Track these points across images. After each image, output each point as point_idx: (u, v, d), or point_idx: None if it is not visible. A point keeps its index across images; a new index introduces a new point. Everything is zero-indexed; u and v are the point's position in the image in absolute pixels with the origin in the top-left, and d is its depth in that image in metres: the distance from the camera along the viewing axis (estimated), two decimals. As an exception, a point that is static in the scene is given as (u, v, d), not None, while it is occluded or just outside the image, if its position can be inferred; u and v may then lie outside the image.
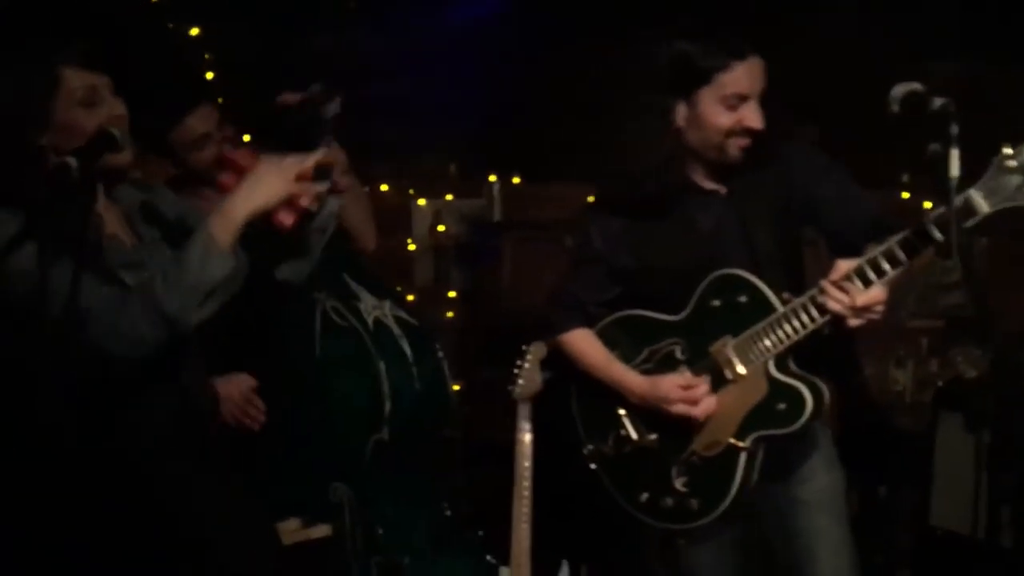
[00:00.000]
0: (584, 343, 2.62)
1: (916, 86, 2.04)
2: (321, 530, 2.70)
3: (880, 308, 2.26)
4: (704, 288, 2.45)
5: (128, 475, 2.07)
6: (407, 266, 4.61)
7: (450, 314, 4.58)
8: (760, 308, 2.38)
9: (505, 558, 3.41)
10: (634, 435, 2.55)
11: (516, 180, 4.62)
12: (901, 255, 2.21)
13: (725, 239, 2.47)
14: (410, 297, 4.57)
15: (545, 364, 3.48)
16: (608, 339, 2.59)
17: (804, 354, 2.41)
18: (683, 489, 2.47)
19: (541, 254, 4.19)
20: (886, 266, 2.23)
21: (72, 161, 1.88)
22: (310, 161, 2.02)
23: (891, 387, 4.33)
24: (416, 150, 4.53)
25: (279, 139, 2.31)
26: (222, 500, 2.15)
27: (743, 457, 2.42)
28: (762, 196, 2.47)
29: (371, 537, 2.64)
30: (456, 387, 4.54)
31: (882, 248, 2.23)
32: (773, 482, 2.49)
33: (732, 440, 2.43)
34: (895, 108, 2.04)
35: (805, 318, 2.34)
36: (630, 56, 2.55)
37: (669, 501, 2.50)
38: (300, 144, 2.10)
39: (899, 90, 2.05)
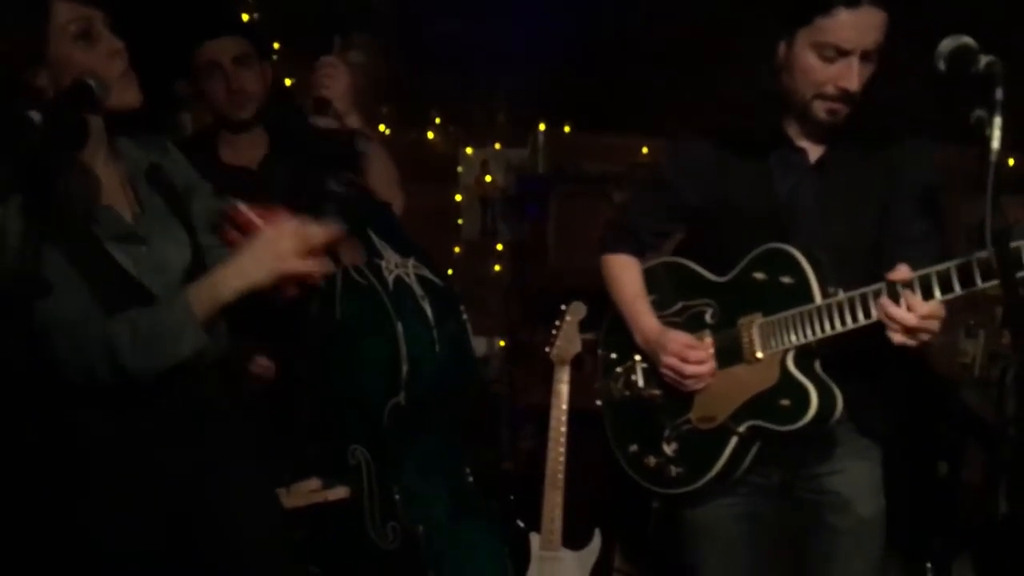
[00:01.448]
0: (623, 270, 2.50)
1: (966, 40, 1.80)
2: (339, 492, 2.61)
3: (934, 328, 2.02)
4: (753, 257, 2.29)
5: (121, 441, 1.96)
6: (453, 217, 4.50)
7: (497, 268, 4.48)
8: (799, 295, 2.20)
9: (536, 524, 3.34)
10: (641, 383, 2.46)
11: (567, 129, 4.45)
12: (978, 278, 1.94)
13: (799, 208, 2.28)
14: (456, 249, 4.50)
15: (584, 325, 3.38)
16: (650, 281, 2.49)
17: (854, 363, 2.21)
18: (670, 454, 2.39)
19: (587, 210, 4.04)
20: (957, 285, 1.98)
21: (35, 116, 1.70)
22: (319, 237, 1.88)
23: (959, 359, 4.10)
24: (466, 97, 4.39)
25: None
26: (224, 466, 2.06)
27: (734, 441, 2.29)
28: (856, 180, 2.26)
29: (388, 502, 2.55)
30: (501, 343, 4.50)
31: (958, 262, 1.97)
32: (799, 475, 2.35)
33: (727, 420, 2.30)
34: (941, 65, 1.82)
35: (842, 319, 2.14)
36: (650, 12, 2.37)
37: (652, 460, 2.42)
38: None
39: (947, 44, 1.82)
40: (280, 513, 2.23)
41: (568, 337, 3.24)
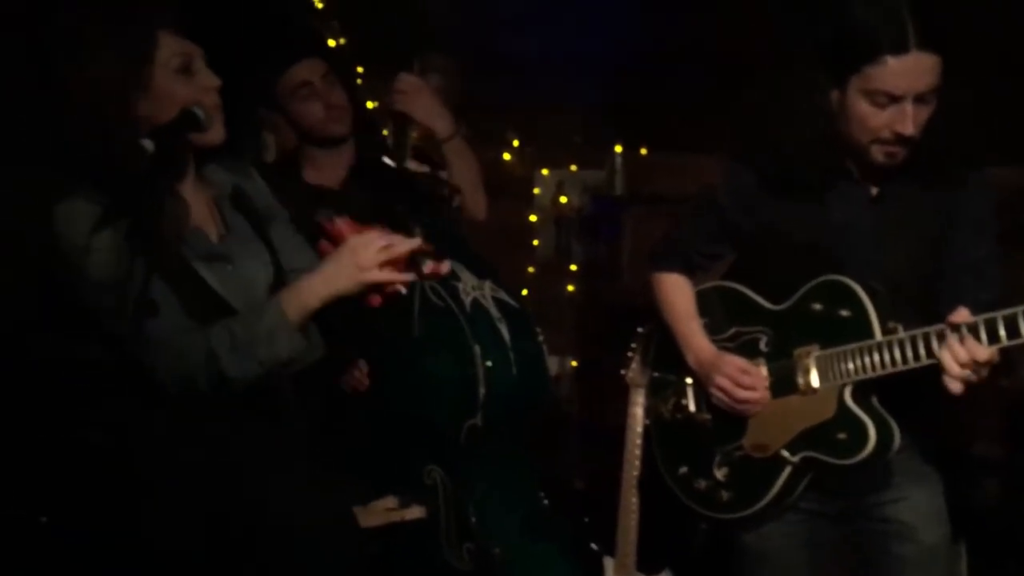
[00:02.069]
0: (674, 289, 2.51)
1: None
2: (415, 512, 2.64)
3: (984, 375, 2.02)
4: (811, 287, 2.28)
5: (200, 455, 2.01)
6: (528, 237, 4.52)
7: (571, 288, 4.48)
8: (859, 328, 2.19)
9: (611, 547, 3.32)
10: (692, 406, 2.47)
11: (643, 151, 4.44)
12: None
13: (855, 241, 2.26)
14: (530, 269, 4.51)
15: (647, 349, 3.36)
16: (703, 304, 2.49)
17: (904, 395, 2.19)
18: (721, 479, 2.39)
19: (663, 231, 4.02)
20: None
21: (148, 144, 1.80)
22: (403, 248, 1.93)
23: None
24: (542, 118, 4.40)
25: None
26: (298, 481, 2.09)
27: (788, 470, 2.29)
28: (914, 212, 2.24)
29: (463, 523, 2.57)
30: (573, 364, 4.49)
31: None
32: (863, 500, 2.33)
33: (782, 450, 2.29)
34: None
35: (902, 355, 2.12)
36: (787, 24, 2.36)
37: (703, 484, 2.42)
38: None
39: None
40: (350, 530, 2.26)
41: (645, 360, 3.23)
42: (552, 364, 4.54)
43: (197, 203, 2.08)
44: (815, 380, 2.25)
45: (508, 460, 2.63)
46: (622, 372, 3.31)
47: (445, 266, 1.99)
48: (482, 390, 2.49)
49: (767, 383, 2.33)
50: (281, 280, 2.11)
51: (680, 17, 3.99)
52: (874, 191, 2.26)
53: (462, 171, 2.78)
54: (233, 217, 2.12)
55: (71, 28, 1.95)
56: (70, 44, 1.94)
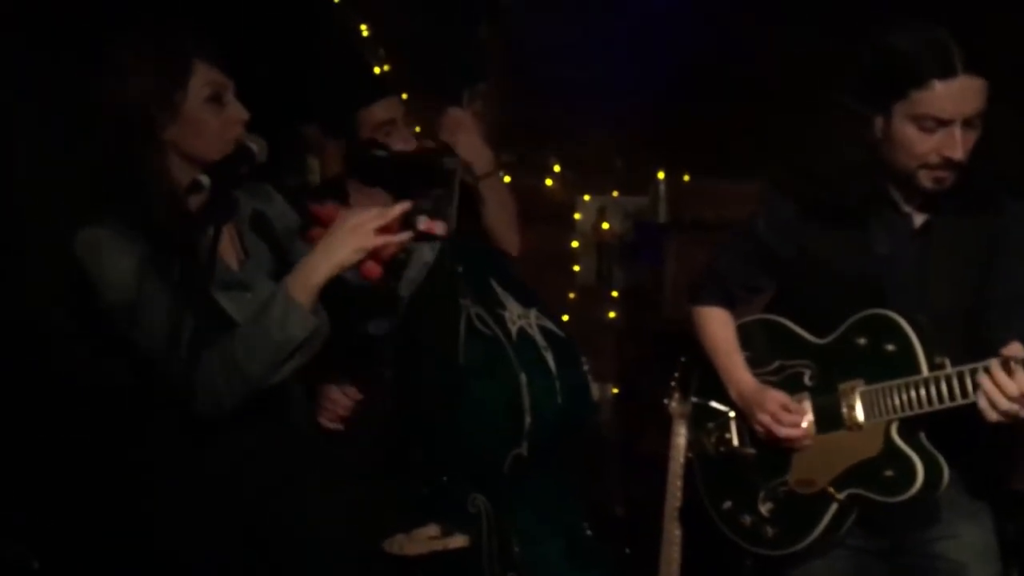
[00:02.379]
0: (715, 323, 2.50)
1: None
2: (458, 540, 2.63)
3: None
4: (855, 321, 2.26)
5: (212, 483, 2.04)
6: (569, 263, 4.51)
7: (612, 314, 4.47)
8: (905, 364, 2.16)
9: (653, 577, 3.30)
10: (736, 441, 2.45)
11: (686, 178, 4.42)
12: None
13: (900, 273, 2.24)
14: (571, 295, 4.51)
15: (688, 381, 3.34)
16: (745, 337, 2.47)
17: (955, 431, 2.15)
18: (766, 514, 2.37)
19: (705, 258, 4.00)
20: None
21: (204, 180, 1.83)
22: (392, 213, 1.94)
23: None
24: (584, 144, 4.41)
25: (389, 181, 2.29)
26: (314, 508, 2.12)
27: (834, 507, 2.26)
28: (960, 243, 2.22)
29: (507, 552, 2.56)
30: (614, 390, 4.47)
31: None
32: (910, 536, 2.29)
33: (828, 486, 2.27)
34: None
35: (950, 391, 2.09)
36: (829, 52, 2.35)
37: (748, 519, 2.40)
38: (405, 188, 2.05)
39: None
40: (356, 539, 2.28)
41: (686, 390, 3.20)
42: (593, 390, 4.54)
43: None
44: (861, 416, 2.22)
45: (552, 489, 2.62)
46: (664, 402, 3.30)
47: (439, 225, 1.96)
48: (528, 419, 2.48)
49: (811, 419, 2.30)
50: None
51: (723, 44, 3.98)
52: (918, 221, 2.24)
53: (496, 209, 2.78)
54: (252, 242, 2.15)
55: (113, 45, 1.99)
56: (111, 60, 1.98)
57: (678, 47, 4.01)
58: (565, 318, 4.39)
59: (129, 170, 1.97)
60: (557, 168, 4.43)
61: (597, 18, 4.15)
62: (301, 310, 1.93)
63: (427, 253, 2.07)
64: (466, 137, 2.65)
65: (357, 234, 1.93)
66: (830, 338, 2.30)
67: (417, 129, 3.74)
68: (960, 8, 2.26)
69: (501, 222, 2.80)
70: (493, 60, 2.85)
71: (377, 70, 3.79)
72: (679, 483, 3.19)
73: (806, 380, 2.34)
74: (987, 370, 2.02)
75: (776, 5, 3.92)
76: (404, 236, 1.95)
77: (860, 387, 2.23)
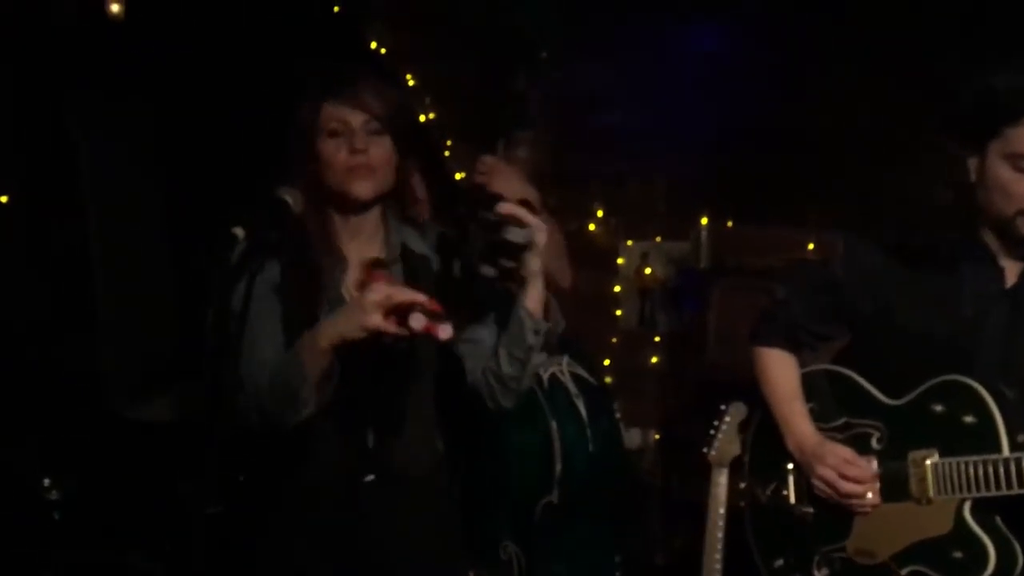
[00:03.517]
0: (777, 366, 2.36)
1: None
2: (490, 586, 2.63)
3: None
4: (932, 385, 2.13)
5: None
6: (612, 307, 4.51)
7: (654, 359, 4.45)
8: (984, 439, 2.04)
9: (691, 628, 3.24)
10: (792, 498, 2.31)
11: (729, 223, 4.41)
12: None
13: (987, 336, 2.11)
14: (613, 339, 4.50)
15: (745, 426, 3.30)
16: (811, 387, 2.34)
17: None
18: None
19: (749, 305, 3.97)
20: None
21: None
22: (400, 298, 1.98)
23: None
24: (627, 189, 4.42)
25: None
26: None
27: None
28: None
29: (538, 599, 2.55)
30: (656, 436, 4.44)
31: None
32: None
33: (890, 561, 2.14)
34: None
35: None
36: (921, 88, 2.27)
37: None
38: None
39: None
40: None
41: (728, 438, 3.14)
42: (634, 436, 4.52)
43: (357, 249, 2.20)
44: (932, 490, 2.10)
45: (585, 538, 2.60)
46: (704, 450, 3.27)
47: (444, 330, 1.96)
48: (558, 466, 2.47)
49: (877, 479, 2.18)
50: None
51: (767, 90, 3.98)
52: (1012, 279, 2.11)
53: (547, 246, 2.79)
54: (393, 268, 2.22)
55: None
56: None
57: (721, 93, 4.02)
58: (607, 362, 4.41)
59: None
60: (600, 213, 4.45)
61: (642, 66, 4.17)
62: (298, 364, 2.02)
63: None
64: (504, 183, 2.67)
65: (364, 311, 1.98)
66: (904, 400, 2.18)
67: (459, 176, 3.79)
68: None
69: (552, 257, 2.81)
70: (535, 108, 2.87)
71: (423, 118, 3.84)
72: (719, 535, 3.13)
73: (874, 443, 2.21)
74: None
75: (818, 51, 3.91)
76: (400, 332, 1.98)
77: (933, 458, 2.10)
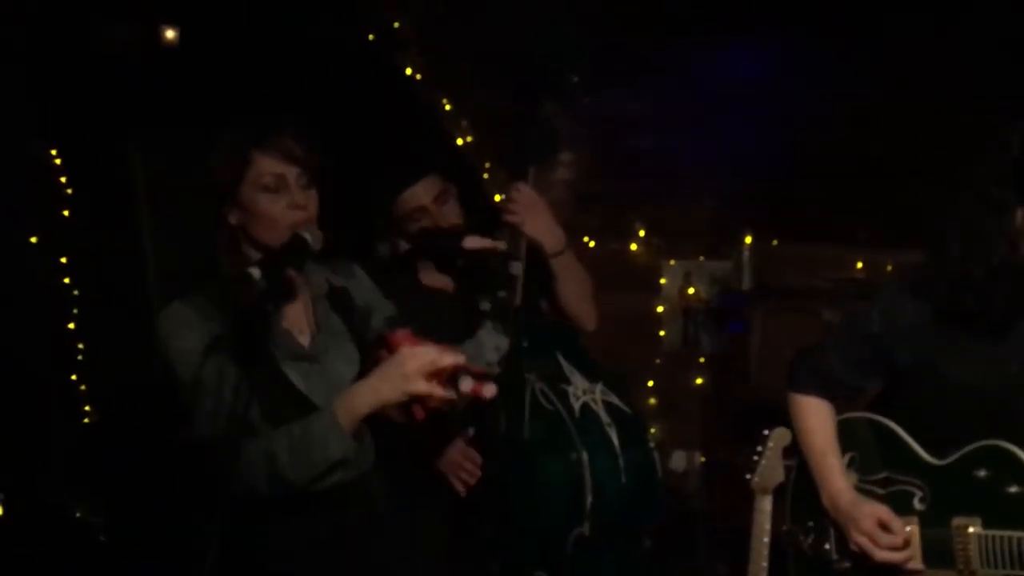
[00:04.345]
0: (813, 416, 2.27)
1: None
2: (523, 618, 2.59)
3: None
4: (976, 449, 2.03)
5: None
6: (655, 328, 4.47)
7: (699, 381, 4.39)
8: None
9: (734, 660, 3.17)
10: (834, 553, 2.22)
11: (774, 242, 4.35)
12: None
13: None
14: (657, 360, 4.45)
15: (789, 452, 3.23)
16: (849, 435, 2.24)
17: None
18: None
19: (794, 326, 3.90)
20: None
21: (255, 272, 1.88)
22: (446, 362, 1.94)
23: None
24: (670, 208, 4.39)
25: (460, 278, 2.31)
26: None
27: None
28: None
29: (571, 632, 2.51)
30: (702, 459, 4.38)
31: None
32: None
33: None
34: None
35: None
36: (964, 131, 2.16)
37: None
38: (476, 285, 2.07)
39: None
40: None
41: (771, 464, 3.06)
42: (679, 459, 4.46)
43: (293, 305, 2.14)
44: (976, 562, 1.99)
45: (618, 570, 2.55)
46: (747, 476, 3.20)
47: (489, 389, 1.94)
48: (589, 498, 2.42)
49: (915, 543, 2.07)
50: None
51: (809, 109, 3.92)
52: None
53: (570, 285, 2.75)
54: (327, 315, 2.18)
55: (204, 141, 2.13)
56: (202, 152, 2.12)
57: (764, 113, 3.96)
58: (650, 384, 4.36)
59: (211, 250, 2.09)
60: (642, 233, 4.41)
61: (686, 88, 4.13)
62: (341, 433, 1.98)
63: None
64: (533, 216, 2.63)
65: (405, 377, 1.94)
66: (947, 460, 2.07)
67: (497, 198, 3.77)
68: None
69: (575, 297, 2.76)
70: (566, 134, 2.84)
71: (460, 141, 3.84)
72: (763, 563, 3.06)
73: (916, 503, 2.10)
74: None
75: (865, 70, 3.83)
76: (449, 396, 1.95)
77: (976, 528, 2.00)
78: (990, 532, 1.97)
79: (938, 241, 2.07)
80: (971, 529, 2.00)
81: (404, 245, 2.87)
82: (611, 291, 3.00)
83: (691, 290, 4.41)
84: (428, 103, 3.82)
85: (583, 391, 2.54)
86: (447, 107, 3.84)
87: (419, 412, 1.98)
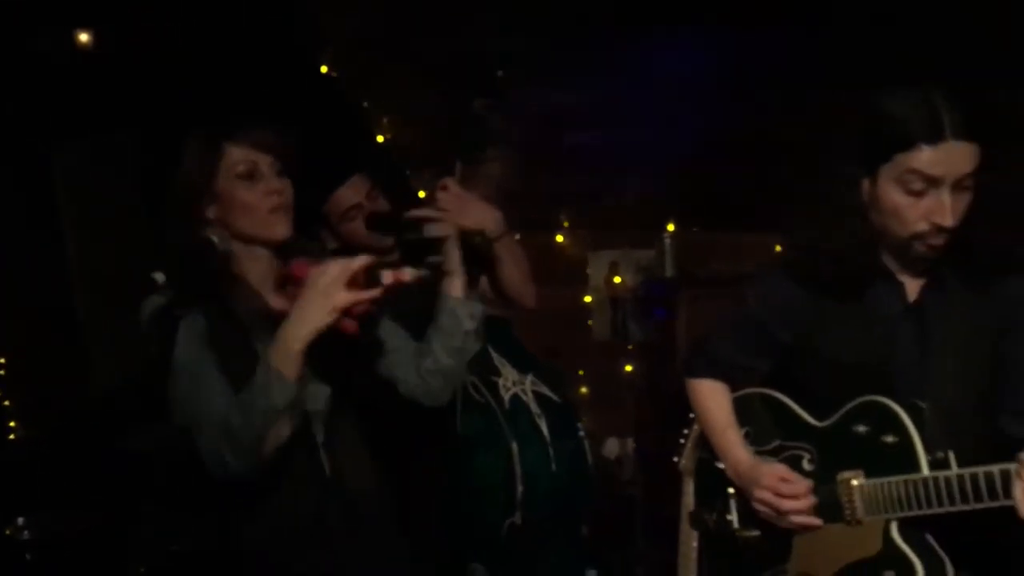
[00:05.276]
0: (710, 397, 2.40)
1: None
2: (460, 610, 2.62)
3: None
4: (854, 407, 2.14)
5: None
6: (584, 318, 4.52)
7: (628, 368, 4.45)
8: (904, 459, 2.04)
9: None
10: (736, 523, 2.33)
11: (696, 230, 4.43)
12: None
13: (900, 353, 2.12)
14: (588, 350, 4.51)
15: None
16: (744, 411, 2.37)
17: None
18: None
19: (718, 311, 3.97)
20: None
21: (159, 277, 1.92)
22: (355, 265, 1.97)
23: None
24: (594, 199, 4.44)
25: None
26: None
27: None
28: (960, 318, 2.09)
29: (509, 621, 2.54)
30: (634, 445, 4.45)
31: None
32: None
33: None
34: None
35: (951, 498, 1.96)
36: (824, 113, 2.29)
37: None
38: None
39: None
40: None
41: (696, 447, 3.16)
42: (612, 446, 4.52)
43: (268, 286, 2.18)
44: (860, 511, 2.10)
45: (552, 557, 2.59)
46: (675, 459, 3.26)
47: (406, 273, 1.99)
48: (520, 487, 2.47)
49: (812, 494, 2.17)
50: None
51: (728, 100, 3.99)
52: (912, 298, 2.13)
53: (511, 267, 2.80)
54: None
55: (167, 142, 2.19)
56: (167, 156, 2.16)
57: (684, 104, 4.04)
58: (581, 373, 4.42)
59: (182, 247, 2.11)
60: (566, 223, 4.46)
61: (609, 82, 4.18)
62: (280, 380, 1.97)
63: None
64: (464, 208, 2.66)
65: (328, 295, 1.96)
66: (829, 422, 2.19)
67: (422, 194, 3.79)
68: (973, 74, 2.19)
69: (516, 278, 2.81)
70: (494, 129, 2.86)
71: (380, 138, 3.84)
72: (694, 544, 3.13)
73: (805, 465, 2.22)
74: (1004, 477, 1.87)
75: (781, 61, 3.92)
76: (374, 292, 1.98)
77: (859, 480, 2.11)
78: (871, 481, 2.09)
79: (799, 218, 2.20)
80: (855, 481, 2.12)
81: (333, 244, 2.89)
82: (539, 283, 3.03)
83: (617, 279, 4.47)
84: (349, 102, 3.81)
85: (513, 382, 2.58)
86: (366, 106, 3.85)
87: (350, 325, 1.98)
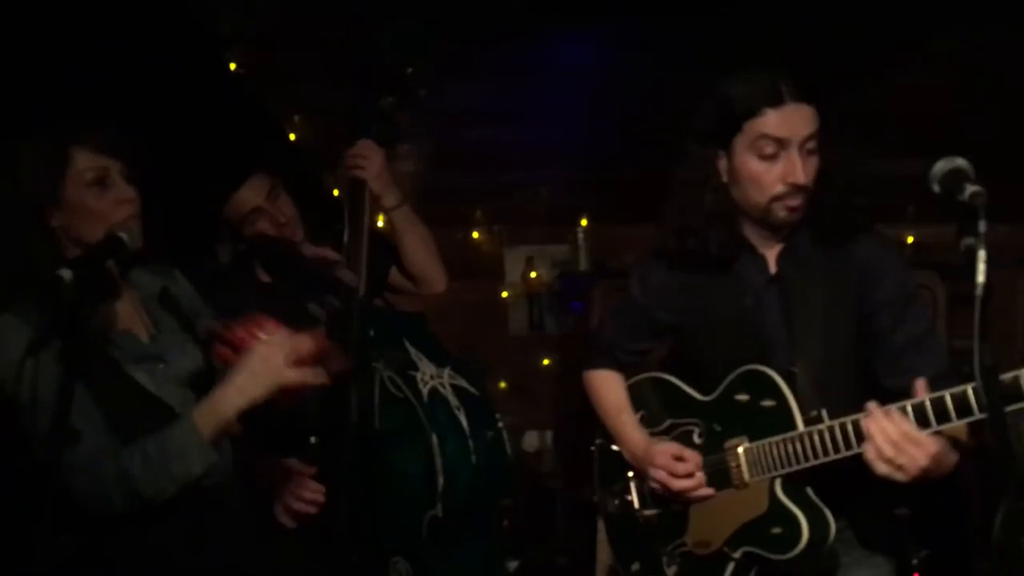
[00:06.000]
0: (604, 385, 2.52)
1: (959, 164, 1.75)
2: (383, 604, 2.62)
3: (921, 464, 1.93)
4: (733, 378, 2.26)
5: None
6: (501, 313, 4.55)
7: (546, 362, 4.50)
8: (782, 420, 2.16)
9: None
10: (636, 504, 2.44)
11: (609, 225, 4.49)
12: (975, 406, 1.87)
13: (769, 322, 2.24)
14: (505, 344, 4.54)
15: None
16: (637, 396, 2.48)
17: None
18: None
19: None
20: (953, 414, 1.91)
21: (66, 274, 1.79)
22: (308, 347, 1.96)
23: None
24: (508, 195, 4.46)
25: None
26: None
27: (731, 566, 2.24)
28: (818, 284, 2.21)
29: (432, 614, 2.55)
30: (552, 438, 4.49)
31: (956, 390, 1.90)
32: None
33: (723, 546, 2.25)
34: (935, 187, 1.77)
35: (823, 446, 2.08)
36: (683, 102, 2.38)
37: None
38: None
39: (940, 167, 1.77)
40: None
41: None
42: (532, 439, 4.56)
43: (125, 307, 2.12)
44: (746, 474, 2.22)
45: (474, 548, 2.60)
46: (592, 448, 3.31)
47: (344, 361, 2.07)
48: (440, 480, 2.47)
49: (703, 469, 2.29)
50: (212, 373, 2.14)
51: (634, 94, 4.05)
52: (773, 268, 2.25)
53: (412, 240, 2.78)
54: (161, 316, 2.17)
55: (10, 148, 2.04)
56: (8, 160, 2.02)
57: (595, 99, 4.07)
58: (500, 367, 4.44)
59: (25, 257, 2.00)
60: (483, 220, 4.48)
61: (521, 80, 4.19)
62: (203, 445, 1.94)
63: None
64: (374, 168, 2.65)
65: (274, 371, 1.94)
66: (714, 395, 2.31)
67: (336, 193, 3.77)
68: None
69: (421, 254, 2.81)
70: (404, 125, 2.86)
71: (293, 136, 3.81)
72: (609, 551, 3.17)
73: (695, 438, 2.33)
74: (864, 420, 1.99)
75: (688, 57, 3.98)
76: (320, 378, 1.96)
77: (744, 444, 2.23)
78: (754, 444, 2.22)
79: (665, 203, 2.32)
80: (740, 448, 2.24)
81: (242, 246, 2.86)
82: (456, 279, 3.05)
83: (533, 274, 4.51)
84: (255, 100, 3.76)
85: (431, 376, 2.59)
86: (275, 103, 3.81)
87: (286, 401, 1.98)
